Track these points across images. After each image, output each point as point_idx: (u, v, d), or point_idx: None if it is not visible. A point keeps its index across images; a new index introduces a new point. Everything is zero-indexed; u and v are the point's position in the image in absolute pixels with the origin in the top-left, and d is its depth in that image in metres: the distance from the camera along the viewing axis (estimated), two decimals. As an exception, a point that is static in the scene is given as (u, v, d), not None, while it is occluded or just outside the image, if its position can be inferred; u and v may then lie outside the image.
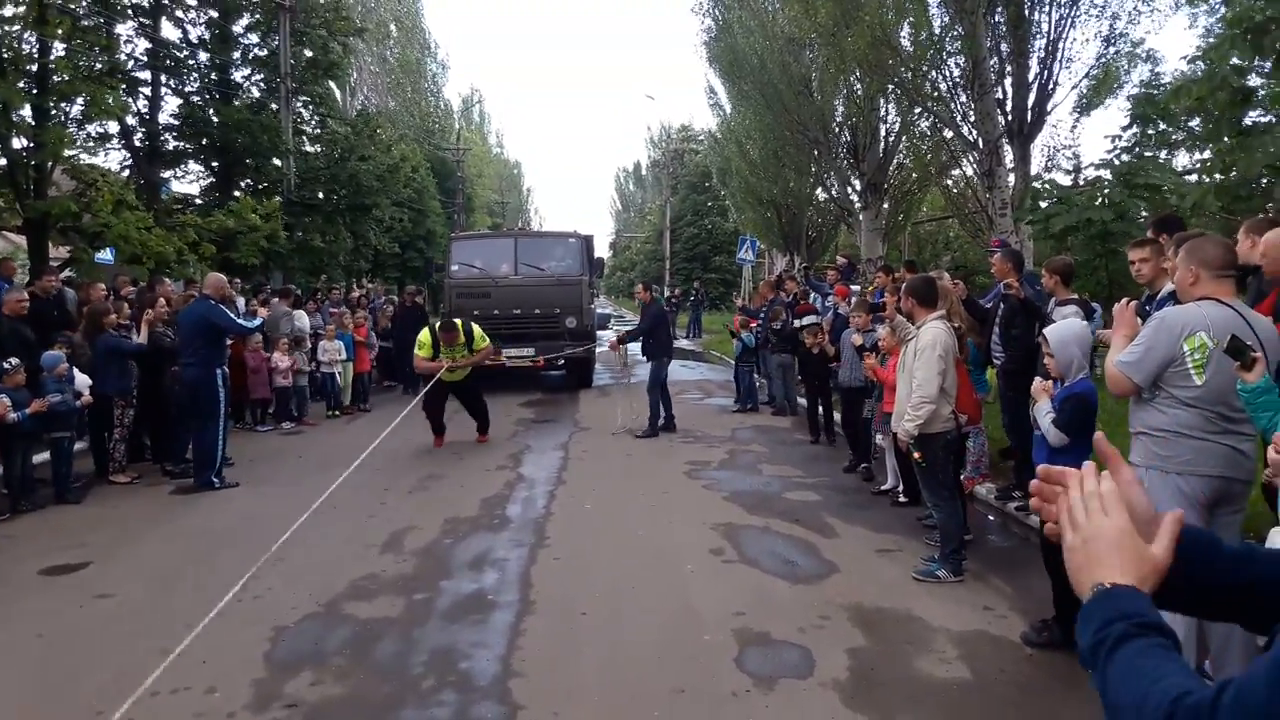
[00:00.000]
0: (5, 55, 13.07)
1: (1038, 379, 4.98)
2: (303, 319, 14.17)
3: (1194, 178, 11.49)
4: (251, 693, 4.46)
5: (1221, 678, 0.99)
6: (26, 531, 7.62)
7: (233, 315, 9.37)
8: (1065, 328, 5.10)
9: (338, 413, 13.94)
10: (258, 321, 10.20)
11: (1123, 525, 1.20)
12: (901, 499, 7.97)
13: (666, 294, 34.73)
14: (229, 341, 10.47)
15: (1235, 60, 7.44)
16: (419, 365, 11.13)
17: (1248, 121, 8.12)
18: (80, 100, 14.81)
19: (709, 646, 4.99)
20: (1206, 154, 9.25)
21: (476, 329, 11.16)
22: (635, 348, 13.42)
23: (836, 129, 23.05)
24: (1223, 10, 9.70)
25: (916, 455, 6.13)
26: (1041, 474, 1.32)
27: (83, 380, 8.78)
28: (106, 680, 4.58)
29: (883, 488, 8.42)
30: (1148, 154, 11.84)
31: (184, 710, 4.27)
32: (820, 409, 11.02)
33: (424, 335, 11.05)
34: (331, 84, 25.41)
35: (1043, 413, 4.83)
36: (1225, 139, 7.99)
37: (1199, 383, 3.84)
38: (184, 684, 4.50)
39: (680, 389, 16.88)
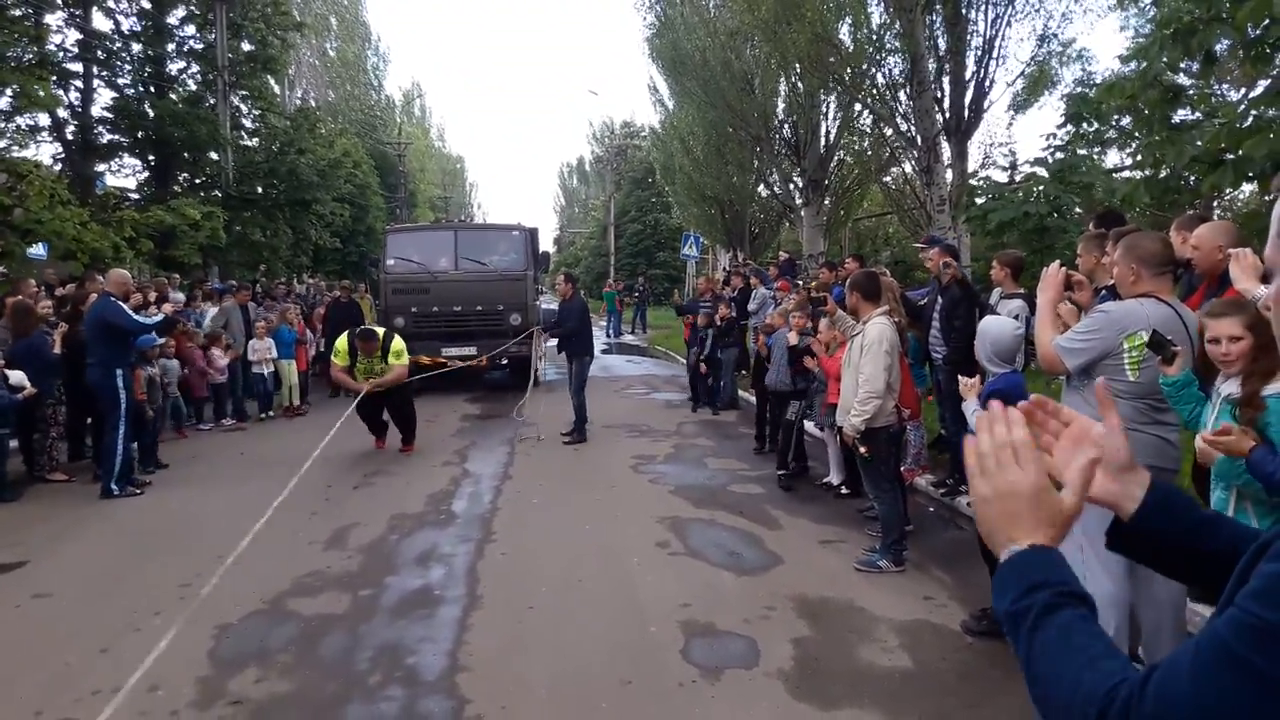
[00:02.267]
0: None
1: (963, 378, 5.04)
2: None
3: (1125, 174, 11.80)
4: (196, 690, 4.42)
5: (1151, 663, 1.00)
6: (-42, 532, 7.42)
7: (130, 313, 8.81)
8: (989, 324, 5.21)
9: (271, 413, 13.34)
10: (158, 318, 9.53)
11: (1037, 480, 1.17)
12: (843, 491, 8.09)
13: (617, 288, 34.49)
14: (159, 342, 10.26)
15: (1165, 60, 7.66)
16: (334, 375, 10.39)
17: (1177, 119, 8.35)
18: (9, 92, 14.45)
19: (655, 638, 5.04)
20: (1137, 150, 9.49)
21: (396, 342, 10.29)
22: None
23: (778, 125, 23.30)
24: (1153, 12, 9.99)
25: (863, 450, 6.17)
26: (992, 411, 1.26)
27: (18, 376, 8.55)
28: (46, 680, 4.50)
29: (824, 480, 8.54)
30: (1081, 152, 12.12)
31: (127, 709, 4.20)
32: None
33: (341, 342, 10.16)
34: (270, 78, 24.99)
35: (969, 410, 4.91)
36: (1155, 136, 8.22)
37: (1132, 378, 3.94)
38: (125, 682, 4.44)
39: (626, 384, 16.98)
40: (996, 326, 5.15)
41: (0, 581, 6.18)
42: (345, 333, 10.35)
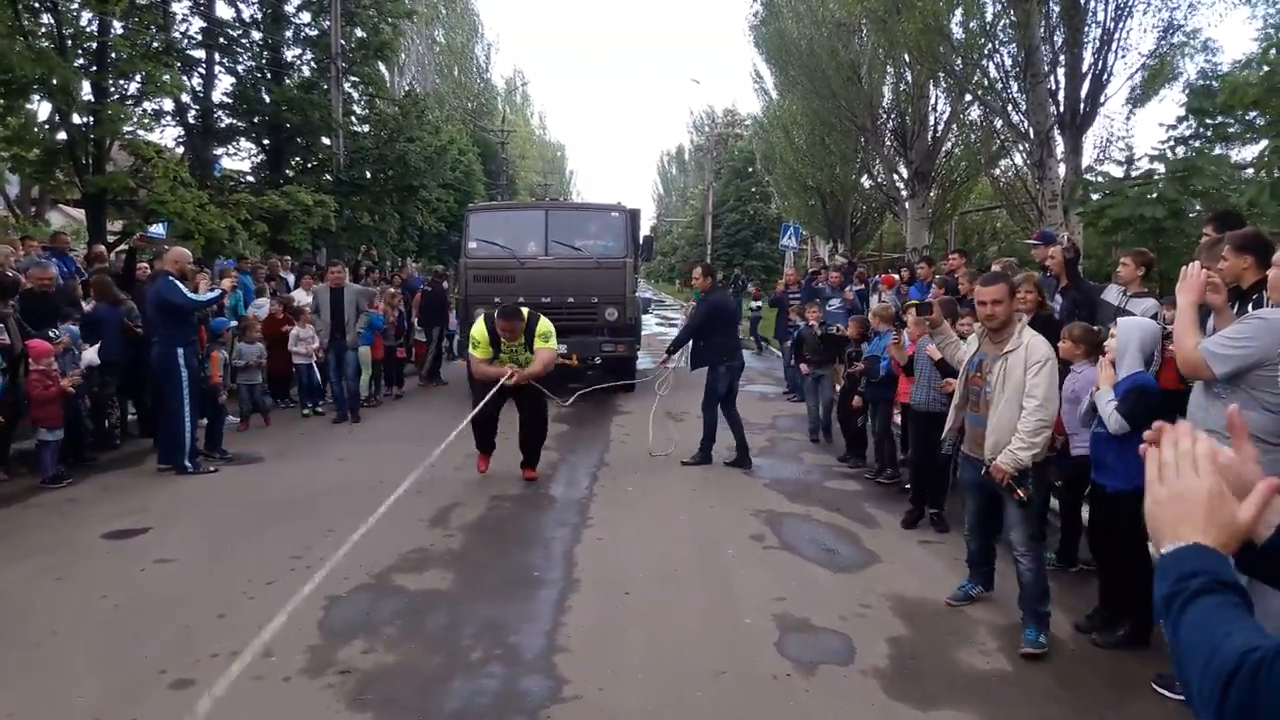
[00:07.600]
0: (66, 33, 13.38)
1: (1103, 360, 4.90)
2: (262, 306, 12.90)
3: (1249, 173, 11.29)
4: (307, 658, 4.60)
5: None
6: (89, 496, 7.86)
7: (185, 290, 8.64)
8: (1138, 324, 5.03)
9: (318, 409, 12.15)
10: (215, 294, 9.24)
11: (1213, 488, 1.22)
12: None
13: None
14: (231, 324, 10.45)
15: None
16: (477, 370, 8.46)
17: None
18: (138, 78, 15.08)
19: (750, 630, 5.06)
20: (1263, 153, 9.05)
21: (543, 323, 8.31)
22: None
23: (884, 116, 22.94)
24: (1281, 4, 9.53)
25: (1020, 492, 4.82)
26: (1158, 427, 1.33)
27: (89, 355, 8.75)
28: (169, 641, 4.75)
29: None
30: (1203, 146, 11.56)
31: (242, 673, 4.40)
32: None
33: (478, 330, 8.32)
34: (381, 65, 25.54)
35: (1105, 399, 4.76)
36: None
37: None
38: (242, 647, 4.64)
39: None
40: (1146, 327, 5.00)
41: (127, 546, 6.53)
42: (481, 317, 8.56)
